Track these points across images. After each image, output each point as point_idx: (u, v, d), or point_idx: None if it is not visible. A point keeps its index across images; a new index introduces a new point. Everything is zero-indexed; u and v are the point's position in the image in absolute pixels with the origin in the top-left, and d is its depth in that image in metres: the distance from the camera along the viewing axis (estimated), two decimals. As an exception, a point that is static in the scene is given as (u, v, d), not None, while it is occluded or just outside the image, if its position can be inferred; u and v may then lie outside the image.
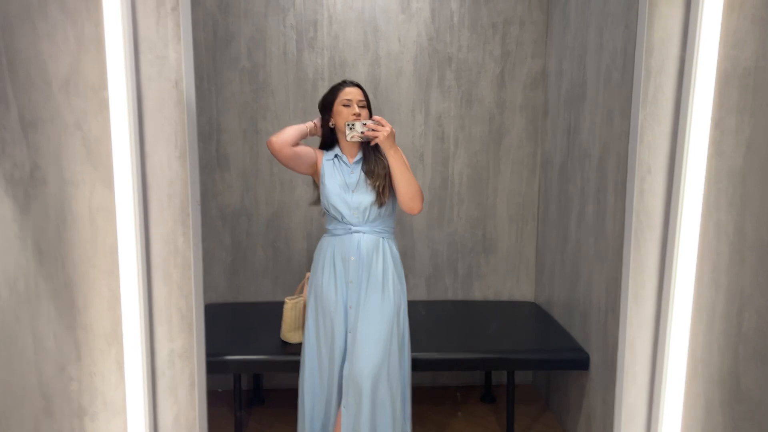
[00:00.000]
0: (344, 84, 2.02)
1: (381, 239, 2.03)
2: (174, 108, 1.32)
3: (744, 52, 1.36)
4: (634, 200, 1.42)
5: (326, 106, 2.03)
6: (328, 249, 2.05)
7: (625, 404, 1.52)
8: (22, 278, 1.33)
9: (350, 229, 2.02)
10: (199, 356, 1.40)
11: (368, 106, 2.03)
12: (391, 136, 1.91)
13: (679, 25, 1.38)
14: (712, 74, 1.34)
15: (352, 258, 2.00)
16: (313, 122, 2.07)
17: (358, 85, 2.03)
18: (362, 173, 2.01)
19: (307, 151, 2.04)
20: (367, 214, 2.00)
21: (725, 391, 1.47)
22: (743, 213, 1.40)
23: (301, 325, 2.45)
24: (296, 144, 2.01)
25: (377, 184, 1.98)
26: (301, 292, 2.43)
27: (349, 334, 2.00)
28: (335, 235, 2.05)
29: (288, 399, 3.01)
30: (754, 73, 1.37)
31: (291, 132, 1.99)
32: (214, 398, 3.04)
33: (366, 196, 1.99)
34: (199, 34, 2.92)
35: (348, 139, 1.93)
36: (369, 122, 1.91)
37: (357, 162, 2.03)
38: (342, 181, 2.01)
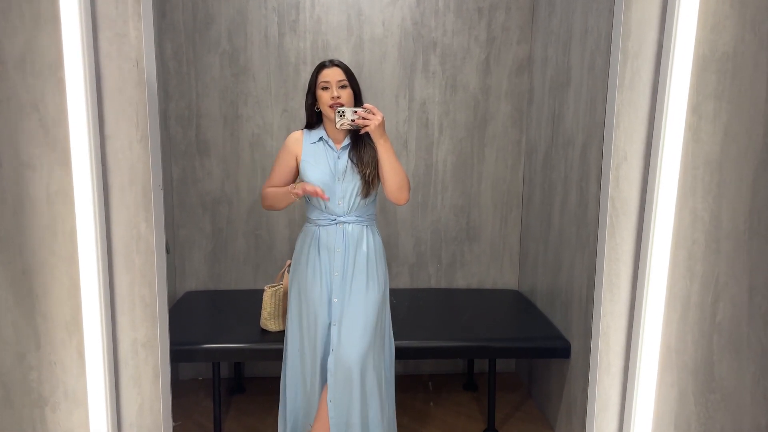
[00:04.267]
0: (322, 66, 1.92)
1: (365, 228, 1.99)
2: (135, 89, 1.27)
3: (722, 37, 1.33)
4: (610, 187, 1.39)
5: (309, 90, 1.97)
6: (312, 240, 1.99)
7: (599, 393, 1.50)
8: (-21, 265, 1.29)
9: (335, 219, 1.95)
10: (163, 345, 1.37)
11: (352, 85, 1.92)
12: (382, 125, 1.83)
13: (657, 7, 1.34)
14: (690, 59, 1.31)
15: (338, 249, 1.95)
16: (294, 192, 1.93)
17: (338, 64, 1.92)
18: (349, 161, 1.94)
19: (290, 171, 2.01)
20: (352, 203, 1.95)
21: (699, 380, 1.46)
22: (719, 201, 1.38)
23: (281, 314, 2.42)
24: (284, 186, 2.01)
25: (367, 172, 1.91)
26: (281, 279, 2.39)
27: (333, 327, 1.95)
28: (319, 225, 1.98)
29: (269, 387, 2.99)
30: (733, 58, 1.34)
31: (278, 201, 1.99)
32: (194, 387, 3.01)
33: (353, 186, 1.93)
34: (178, 16, 2.85)
35: (338, 126, 1.85)
36: (360, 110, 1.82)
37: (344, 148, 1.96)
38: (328, 169, 1.94)
